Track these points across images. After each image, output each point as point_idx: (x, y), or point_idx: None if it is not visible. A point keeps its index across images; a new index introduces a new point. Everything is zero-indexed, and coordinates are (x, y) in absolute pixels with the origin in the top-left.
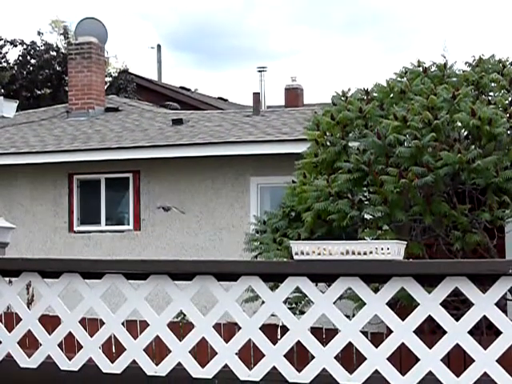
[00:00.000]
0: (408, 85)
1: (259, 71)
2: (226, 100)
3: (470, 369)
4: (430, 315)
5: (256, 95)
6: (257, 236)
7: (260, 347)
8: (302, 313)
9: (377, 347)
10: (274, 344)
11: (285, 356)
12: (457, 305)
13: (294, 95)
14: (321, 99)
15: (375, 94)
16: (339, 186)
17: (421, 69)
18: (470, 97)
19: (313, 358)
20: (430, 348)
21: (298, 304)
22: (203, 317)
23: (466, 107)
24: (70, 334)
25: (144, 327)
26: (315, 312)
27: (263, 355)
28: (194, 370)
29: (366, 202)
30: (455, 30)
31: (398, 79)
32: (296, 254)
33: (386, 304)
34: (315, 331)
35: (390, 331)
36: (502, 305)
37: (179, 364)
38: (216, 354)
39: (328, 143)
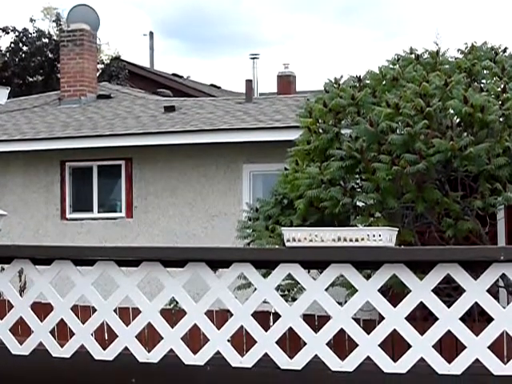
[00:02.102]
0: (400, 72)
1: (252, 58)
2: (218, 87)
3: (461, 355)
4: (421, 302)
5: (248, 82)
6: (249, 223)
7: (252, 334)
8: (295, 300)
9: (369, 334)
10: (266, 331)
11: (277, 343)
12: (449, 292)
13: (286, 82)
14: (313, 86)
15: (368, 82)
16: (331, 174)
17: (413, 56)
18: (463, 84)
19: (305, 344)
20: (422, 335)
21: (290, 291)
22: (195, 304)
23: (458, 94)
24: (62, 321)
25: (136, 314)
26: (307, 299)
27: (255, 342)
28: (186, 356)
29: (359, 190)
30: (449, 17)
31: (391, 66)
32: (288, 240)
33: (378, 291)
34: (307, 318)
35: (381, 318)
36: (494, 291)
37: (171, 351)
38: (208, 340)
39: (320, 130)
